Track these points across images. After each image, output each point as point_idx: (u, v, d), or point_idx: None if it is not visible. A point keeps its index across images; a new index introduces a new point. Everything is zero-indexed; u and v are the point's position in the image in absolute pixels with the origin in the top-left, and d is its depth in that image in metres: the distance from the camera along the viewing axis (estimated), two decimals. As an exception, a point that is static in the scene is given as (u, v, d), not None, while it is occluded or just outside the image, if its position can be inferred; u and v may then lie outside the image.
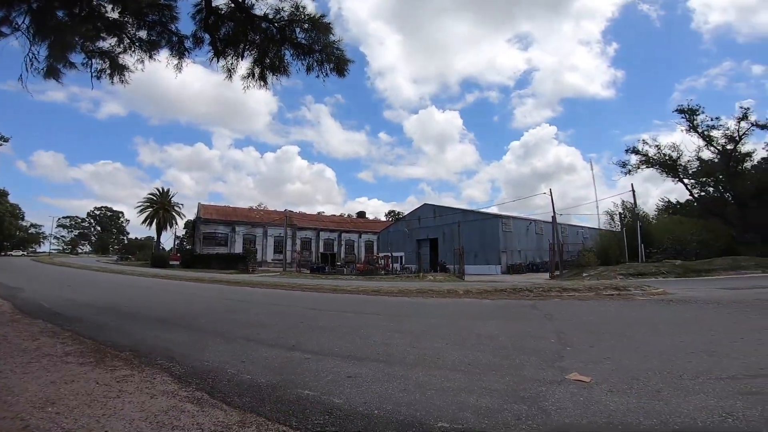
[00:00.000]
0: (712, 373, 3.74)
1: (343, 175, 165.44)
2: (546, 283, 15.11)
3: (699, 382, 3.50)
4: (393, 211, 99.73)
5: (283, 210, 61.77)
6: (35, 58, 7.23)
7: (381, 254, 47.15)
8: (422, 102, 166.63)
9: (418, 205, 51.68)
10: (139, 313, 9.12)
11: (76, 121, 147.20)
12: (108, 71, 8.11)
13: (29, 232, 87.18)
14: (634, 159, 30.03)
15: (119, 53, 7.90)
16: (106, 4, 7.14)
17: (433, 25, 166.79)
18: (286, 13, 7.23)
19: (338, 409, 3.10)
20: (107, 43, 7.83)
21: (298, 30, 7.38)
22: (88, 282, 19.96)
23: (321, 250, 60.63)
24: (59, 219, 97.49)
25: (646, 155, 29.19)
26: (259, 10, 7.32)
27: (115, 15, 7.31)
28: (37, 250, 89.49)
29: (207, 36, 7.78)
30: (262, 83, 8.00)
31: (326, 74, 7.61)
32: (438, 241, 45.07)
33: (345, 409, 3.11)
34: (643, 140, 29.85)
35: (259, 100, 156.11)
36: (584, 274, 21.53)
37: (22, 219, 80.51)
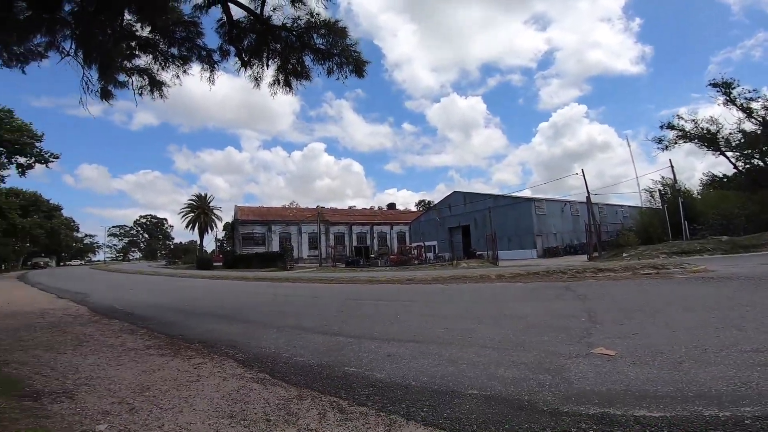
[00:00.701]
0: (736, 347, 3.76)
1: (371, 168, 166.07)
2: (581, 265, 14.89)
3: (722, 355, 3.56)
4: (423, 201, 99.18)
5: (315, 207, 63.34)
6: (90, 81, 7.99)
7: (414, 244, 47.40)
8: (443, 90, 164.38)
9: (448, 193, 51.30)
10: (199, 310, 9.90)
11: (114, 134, 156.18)
12: (148, 87, 8.68)
13: (84, 242, 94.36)
14: (670, 134, 28.72)
15: (157, 70, 8.45)
16: (135, 23, 7.63)
17: (445, 12, 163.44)
18: (303, 21, 7.48)
19: (380, 382, 3.55)
20: (143, 60, 8.38)
21: (315, 36, 7.61)
22: (147, 285, 21.51)
23: (354, 243, 61.51)
24: (110, 228, 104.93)
25: (682, 130, 27.81)
26: (277, 20, 7.60)
27: (146, 33, 7.82)
28: (93, 259, 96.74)
29: (232, 48, 8.18)
30: (288, 89, 8.35)
31: (346, 76, 7.81)
32: (470, 228, 44.67)
33: (386, 382, 3.55)
34: (678, 115, 28.52)
35: (282, 101, 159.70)
36: (624, 255, 20.91)
37: (77, 231, 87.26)
